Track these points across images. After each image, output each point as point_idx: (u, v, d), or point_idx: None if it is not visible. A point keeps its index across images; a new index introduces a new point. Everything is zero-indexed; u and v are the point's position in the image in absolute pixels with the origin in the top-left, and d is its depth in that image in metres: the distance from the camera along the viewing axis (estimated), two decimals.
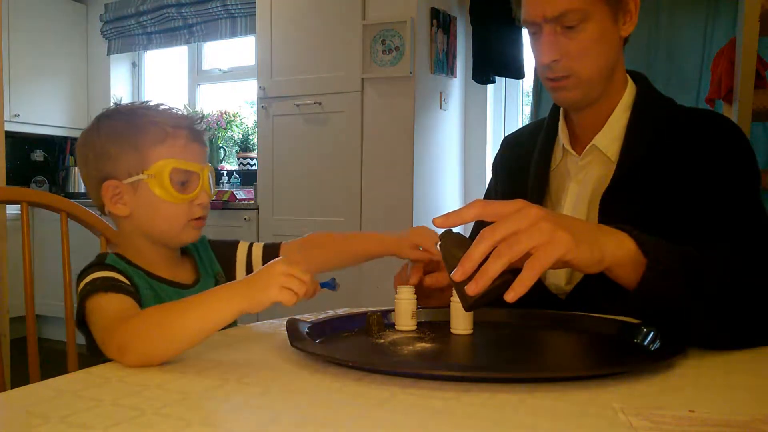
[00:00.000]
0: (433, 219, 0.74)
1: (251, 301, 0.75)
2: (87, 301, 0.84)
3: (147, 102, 0.98)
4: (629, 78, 1.09)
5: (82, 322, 0.85)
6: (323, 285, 0.87)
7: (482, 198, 1.29)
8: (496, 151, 1.31)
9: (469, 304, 0.72)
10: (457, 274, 0.69)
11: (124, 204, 0.94)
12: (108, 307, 0.82)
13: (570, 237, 0.69)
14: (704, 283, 0.76)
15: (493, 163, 1.30)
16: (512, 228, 0.69)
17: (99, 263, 0.91)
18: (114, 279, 0.86)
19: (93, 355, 0.91)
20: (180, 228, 0.96)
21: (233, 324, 1.02)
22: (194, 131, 0.96)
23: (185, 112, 0.99)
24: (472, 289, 0.68)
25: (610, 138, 1.05)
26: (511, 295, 0.67)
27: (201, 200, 0.97)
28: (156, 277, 0.96)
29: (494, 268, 0.67)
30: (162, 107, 0.97)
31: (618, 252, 0.74)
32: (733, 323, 0.77)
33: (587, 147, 1.07)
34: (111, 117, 0.96)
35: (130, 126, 0.93)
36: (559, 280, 1.07)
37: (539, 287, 1.08)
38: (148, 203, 0.93)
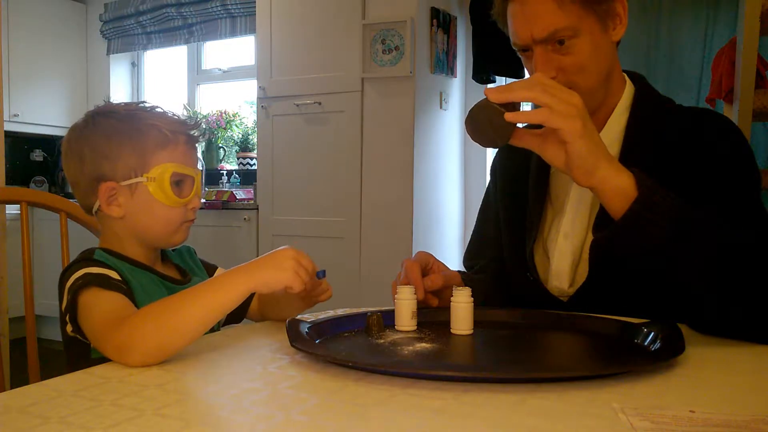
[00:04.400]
0: (486, 89, 0.87)
1: (260, 281, 0.79)
2: (80, 294, 0.82)
3: (143, 103, 0.98)
4: (627, 78, 1.09)
5: (72, 316, 0.84)
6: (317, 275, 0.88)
7: (481, 203, 1.30)
8: (495, 153, 1.31)
9: (471, 114, 0.87)
10: (492, 90, 0.85)
11: (118, 205, 0.94)
12: (103, 304, 0.81)
13: (581, 127, 0.82)
14: (693, 231, 0.81)
15: (492, 166, 1.29)
16: (556, 92, 0.83)
17: (86, 259, 0.90)
18: (107, 276, 0.85)
19: (68, 348, 0.90)
20: (174, 230, 0.97)
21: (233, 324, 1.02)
22: (191, 136, 0.98)
23: (183, 116, 1.00)
24: (492, 92, 0.85)
25: (609, 139, 1.05)
26: (500, 98, 0.85)
27: (194, 204, 0.98)
28: (146, 267, 0.95)
29: (520, 88, 0.83)
30: (159, 110, 0.97)
31: (611, 180, 0.84)
32: (722, 288, 0.81)
33: None
34: (109, 116, 0.95)
35: (131, 128, 0.93)
36: (561, 282, 1.07)
37: (541, 290, 1.08)
38: (145, 206, 0.94)
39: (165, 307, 0.77)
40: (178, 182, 0.95)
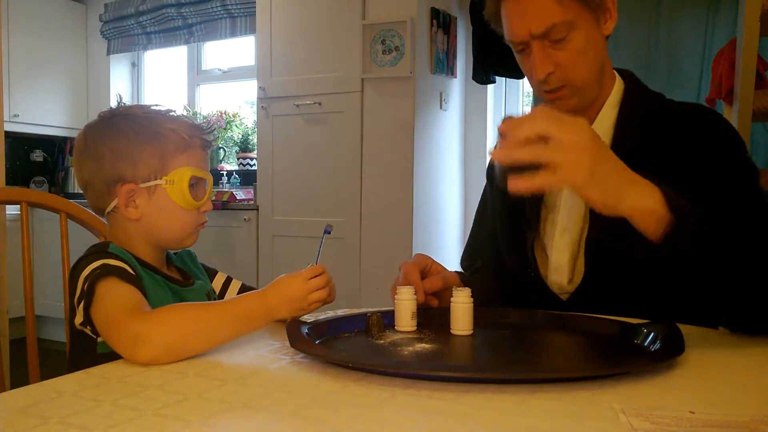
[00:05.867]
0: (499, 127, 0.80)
1: (272, 318, 0.85)
2: (99, 283, 0.83)
3: (156, 106, 1.00)
4: (617, 75, 1.10)
5: (86, 304, 0.84)
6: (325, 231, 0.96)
7: (478, 206, 1.30)
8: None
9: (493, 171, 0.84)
10: (496, 152, 0.78)
11: (135, 207, 0.95)
12: (122, 294, 0.82)
13: (586, 177, 0.76)
14: (718, 247, 0.80)
15: (488, 168, 1.30)
16: (557, 136, 0.75)
17: (101, 251, 0.90)
18: (125, 269, 0.86)
19: (74, 342, 0.90)
20: (189, 233, 0.99)
21: None
22: (206, 141, 1.00)
23: (195, 120, 1.02)
24: (497, 155, 0.78)
25: (599, 134, 1.05)
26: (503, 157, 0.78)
27: (207, 207, 1.01)
28: (153, 268, 0.96)
29: (523, 148, 0.76)
30: (173, 114, 0.99)
31: (639, 204, 0.78)
32: (740, 290, 0.81)
33: None
34: (127, 118, 0.96)
35: (151, 131, 0.95)
36: (561, 277, 1.07)
37: (541, 287, 1.08)
38: (162, 208, 0.95)
39: (193, 311, 0.79)
40: (193, 185, 0.97)
